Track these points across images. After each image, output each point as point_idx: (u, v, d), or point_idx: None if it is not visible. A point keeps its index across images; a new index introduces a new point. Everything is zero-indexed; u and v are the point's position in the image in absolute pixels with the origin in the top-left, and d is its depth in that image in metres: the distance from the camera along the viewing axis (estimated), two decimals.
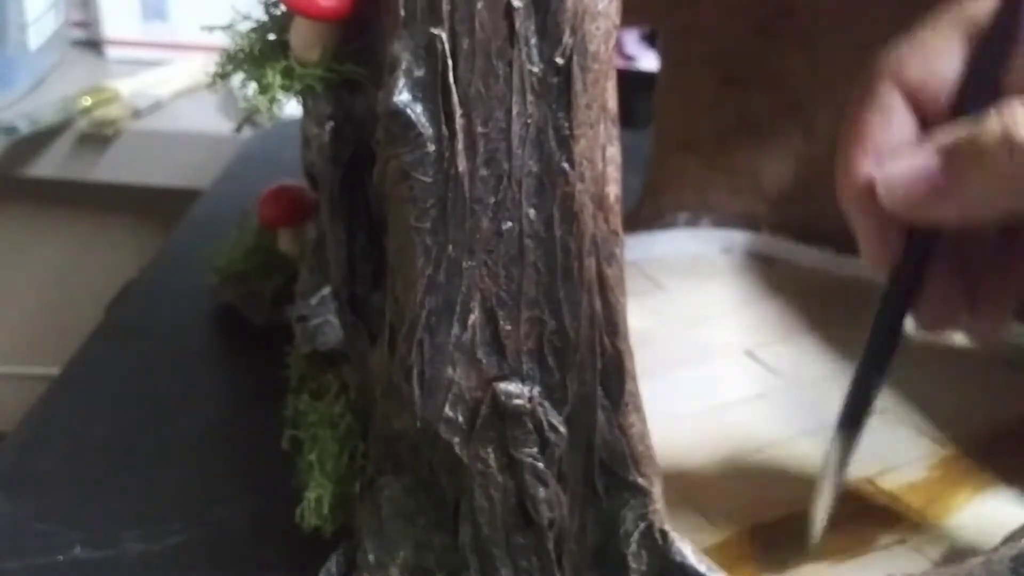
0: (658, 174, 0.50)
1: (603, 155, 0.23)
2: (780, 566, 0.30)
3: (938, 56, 0.28)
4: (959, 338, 0.44)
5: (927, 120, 0.28)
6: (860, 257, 0.30)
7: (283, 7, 0.28)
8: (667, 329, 0.43)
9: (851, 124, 0.29)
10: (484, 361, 0.24)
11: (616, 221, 0.23)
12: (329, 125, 0.28)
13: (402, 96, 0.23)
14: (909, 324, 0.30)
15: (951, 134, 0.27)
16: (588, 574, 0.26)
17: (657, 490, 0.25)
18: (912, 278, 0.29)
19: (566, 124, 0.23)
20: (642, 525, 0.25)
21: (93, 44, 0.90)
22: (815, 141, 0.48)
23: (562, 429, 0.24)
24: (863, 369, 0.30)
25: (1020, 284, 0.30)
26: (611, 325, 0.24)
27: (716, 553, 0.30)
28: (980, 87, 0.27)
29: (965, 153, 0.26)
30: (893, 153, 0.28)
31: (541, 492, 0.25)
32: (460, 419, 0.25)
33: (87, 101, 0.76)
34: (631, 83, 0.37)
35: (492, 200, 0.23)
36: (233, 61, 0.29)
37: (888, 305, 0.29)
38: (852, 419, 0.30)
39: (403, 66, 0.23)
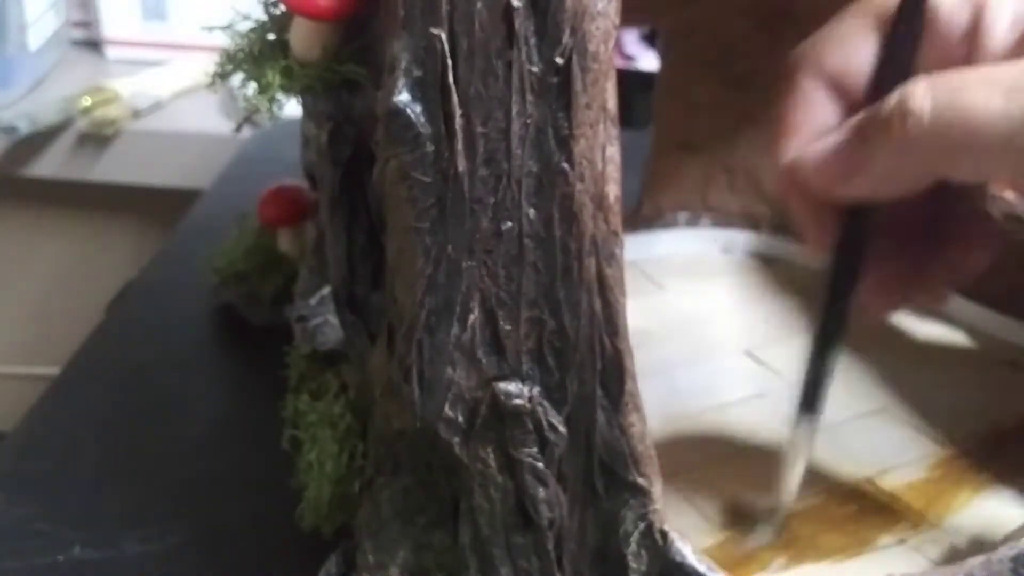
0: (658, 174, 0.50)
1: (603, 155, 0.23)
2: (779, 565, 0.30)
3: (852, 45, 0.29)
4: (959, 338, 0.44)
5: (852, 109, 0.29)
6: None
7: (283, 7, 0.28)
8: (667, 329, 0.43)
9: (777, 117, 0.30)
10: (484, 361, 0.24)
11: (616, 221, 0.23)
12: (329, 125, 0.28)
13: (402, 96, 0.23)
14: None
15: (862, 114, 0.28)
16: (588, 574, 0.26)
17: (657, 490, 0.25)
18: (853, 258, 0.30)
19: (566, 124, 0.23)
20: (642, 525, 0.25)
21: (93, 44, 0.90)
22: None
23: (562, 429, 0.24)
24: (815, 352, 0.30)
25: (955, 261, 0.31)
26: (611, 325, 0.24)
27: (716, 553, 0.30)
28: (893, 74, 0.28)
29: (869, 128, 0.27)
30: (816, 138, 0.29)
31: (541, 492, 0.25)
32: (460, 419, 0.25)
33: (87, 101, 0.76)
34: (631, 83, 0.37)
35: (491, 200, 0.23)
36: (233, 61, 0.29)
37: (833, 287, 0.30)
38: (809, 403, 0.30)
39: (403, 66, 0.23)
